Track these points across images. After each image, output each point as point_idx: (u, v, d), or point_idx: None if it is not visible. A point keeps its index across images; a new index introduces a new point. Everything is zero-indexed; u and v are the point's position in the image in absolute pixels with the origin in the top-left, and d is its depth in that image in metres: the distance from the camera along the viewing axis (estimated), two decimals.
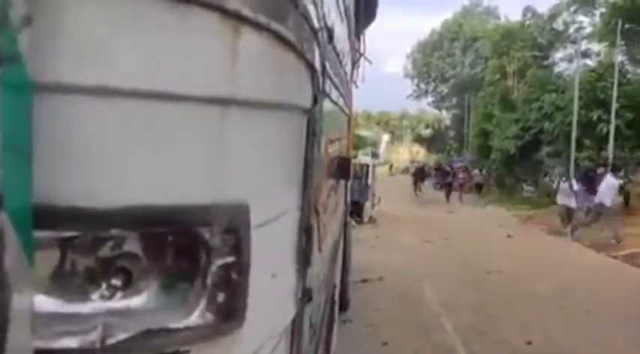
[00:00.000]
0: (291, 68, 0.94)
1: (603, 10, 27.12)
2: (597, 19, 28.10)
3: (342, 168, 2.21)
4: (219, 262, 0.71)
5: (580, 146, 19.28)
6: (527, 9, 32.22)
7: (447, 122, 50.00)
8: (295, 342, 1.07)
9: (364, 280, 7.49)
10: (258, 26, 0.76)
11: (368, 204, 15.00)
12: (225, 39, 0.72)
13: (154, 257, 0.68)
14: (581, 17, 30.09)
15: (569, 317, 6.25)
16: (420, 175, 27.78)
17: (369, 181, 15.05)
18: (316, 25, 1.05)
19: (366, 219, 14.70)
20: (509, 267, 9.03)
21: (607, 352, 5.09)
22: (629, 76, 21.27)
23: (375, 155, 20.22)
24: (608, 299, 7.11)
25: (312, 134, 1.10)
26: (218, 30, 0.71)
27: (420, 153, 55.99)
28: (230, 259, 0.72)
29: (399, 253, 10.01)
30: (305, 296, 1.14)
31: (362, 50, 5.21)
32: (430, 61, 46.37)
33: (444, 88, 47.04)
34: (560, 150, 20.93)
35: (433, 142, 52.70)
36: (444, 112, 50.79)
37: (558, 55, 31.73)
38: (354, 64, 4.62)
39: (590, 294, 7.34)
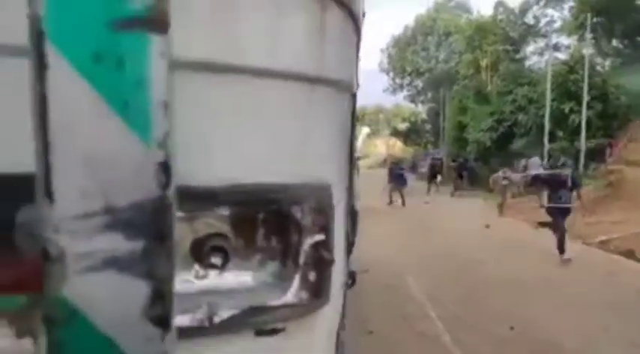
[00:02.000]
0: (355, 48, 0.93)
1: (572, 4, 27.76)
2: (566, 13, 28.74)
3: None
4: (310, 241, 0.71)
5: (553, 137, 19.72)
6: (499, 3, 32.72)
7: (423, 116, 50.50)
8: (343, 327, 1.08)
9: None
10: (340, 3, 0.76)
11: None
12: (312, 16, 0.72)
13: (251, 237, 0.69)
14: (550, 11, 30.73)
15: (549, 303, 6.41)
16: (433, 171, 23.70)
17: None
18: (361, 10, 1.03)
19: None
20: (488, 257, 9.18)
21: (583, 334, 5.25)
22: (598, 68, 21.80)
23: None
24: (584, 284, 7.33)
25: (354, 118, 1.10)
26: (307, 6, 0.70)
27: (397, 146, 56.36)
28: (320, 237, 0.72)
29: (381, 245, 10.08)
30: (349, 280, 1.15)
31: None
32: (405, 55, 46.68)
33: (419, 83, 47.45)
34: (533, 141, 21.37)
35: (410, 135, 53.16)
36: (419, 105, 51.29)
37: (529, 48, 32.38)
38: None
39: (568, 280, 7.55)
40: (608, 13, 25.28)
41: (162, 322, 0.40)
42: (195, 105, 0.59)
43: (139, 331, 0.39)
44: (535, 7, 31.79)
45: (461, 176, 23.31)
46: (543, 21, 31.74)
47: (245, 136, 0.65)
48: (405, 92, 50.33)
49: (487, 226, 13.12)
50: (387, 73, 49.41)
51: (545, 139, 19.29)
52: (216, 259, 0.63)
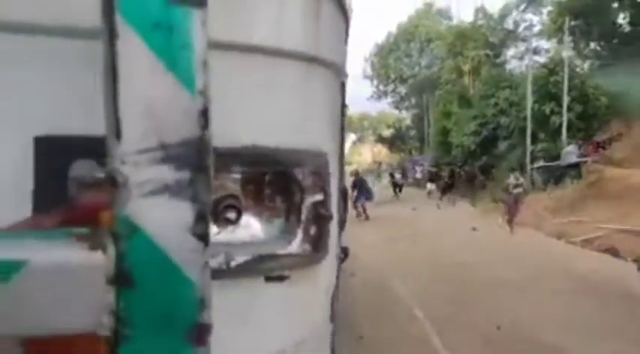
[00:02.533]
0: (344, 37, 1.05)
1: (550, 8, 28.33)
2: (545, 17, 29.31)
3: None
4: (311, 199, 0.81)
5: (535, 139, 20.08)
6: (479, 10, 33.30)
7: (408, 122, 50.87)
8: (337, 295, 1.18)
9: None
10: None
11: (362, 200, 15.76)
12: (309, 6, 0.84)
13: (259, 196, 0.79)
14: (530, 16, 31.31)
15: (534, 301, 6.55)
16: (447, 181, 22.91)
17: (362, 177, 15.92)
18: (349, 4, 1.16)
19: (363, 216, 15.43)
20: (476, 258, 9.34)
21: (569, 331, 5.38)
22: (577, 70, 22.26)
23: None
24: (568, 281, 7.50)
25: (344, 105, 1.21)
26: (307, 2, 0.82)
27: (382, 153, 56.70)
28: (319, 197, 0.83)
29: (369, 249, 10.19)
30: (343, 253, 1.26)
31: None
32: (388, 62, 47.10)
33: (402, 89, 47.85)
34: (516, 143, 21.71)
35: (395, 142, 53.49)
36: (403, 112, 51.66)
37: (510, 53, 32.91)
38: None
39: (552, 278, 7.72)
40: (585, 16, 25.85)
41: (203, 237, 0.51)
42: (218, 77, 0.69)
43: (185, 244, 0.50)
44: (514, 13, 32.38)
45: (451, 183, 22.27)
46: (523, 25, 32.33)
47: (254, 106, 0.75)
48: (389, 99, 50.71)
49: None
50: (371, 80, 49.76)
51: (528, 141, 19.63)
52: (230, 215, 0.74)
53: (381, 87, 49.51)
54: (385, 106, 52.92)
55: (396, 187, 24.98)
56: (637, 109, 18.72)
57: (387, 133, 55.31)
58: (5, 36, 0.60)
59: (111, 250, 0.48)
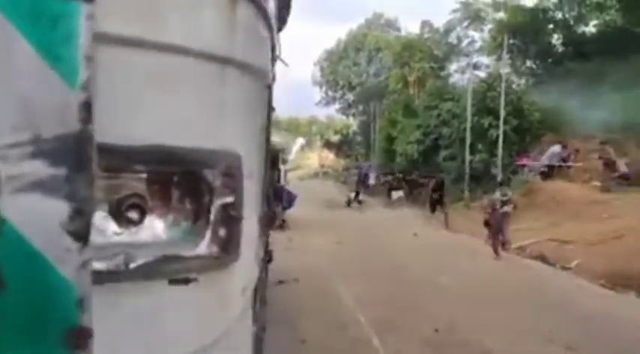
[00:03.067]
0: (267, 42, 1.05)
1: (491, 26, 29.64)
2: (486, 34, 30.63)
3: (272, 157, 2.32)
4: (220, 201, 0.80)
5: (473, 150, 20.88)
6: (425, 23, 34.33)
7: (355, 128, 51.56)
8: (259, 299, 1.17)
9: (280, 282, 7.58)
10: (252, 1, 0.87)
11: (279, 208, 15.06)
12: (226, 9, 0.83)
13: (166, 196, 0.77)
14: (472, 32, 32.60)
15: (469, 304, 6.78)
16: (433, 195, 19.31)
17: (283, 185, 15.23)
18: (272, 11, 1.16)
19: (277, 223, 14.73)
20: (415, 263, 9.56)
21: (499, 332, 5.61)
22: (514, 86, 23.37)
23: (284, 161, 20.40)
24: (502, 286, 7.82)
25: (270, 108, 1.20)
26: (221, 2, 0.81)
27: (329, 158, 57.11)
28: (229, 199, 0.82)
29: (312, 254, 10.22)
30: (267, 256, 1.25)
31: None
32: (337, 69, 47.63)
33: (350, 96, 48.50)
34: (456, 153, 22.49)
35: (341, 147, 54.04)
36: (351, 118, 52.34)
37: (453, 66, 34.13)
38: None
39: (488, 283, 8.03)
40: (523, 35, 27.24)
41: (80, 236, 0.49)
42: (121, 74, 0.68)
43: (59, 242, 0.48)
44: (458, 28, 33.64)
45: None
46: (465, 41, 33.67)
47: (162, 105, 0.74)
48: (337, 105, 51.27)
49: None
50: (320, 86, 50.16)
51: (467, 152, 20.40)
52: (133, 216, 0.71)
53: (330, 93, 50.00)
54: (333, 111, 53.49)
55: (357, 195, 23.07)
56: (567, 125, 19.86)
57: (335, 138, 55.81)
58: None
59: None
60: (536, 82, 26.41)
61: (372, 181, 27.55)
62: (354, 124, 52.59)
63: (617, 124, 18.03)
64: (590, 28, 27.54)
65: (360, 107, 46.80)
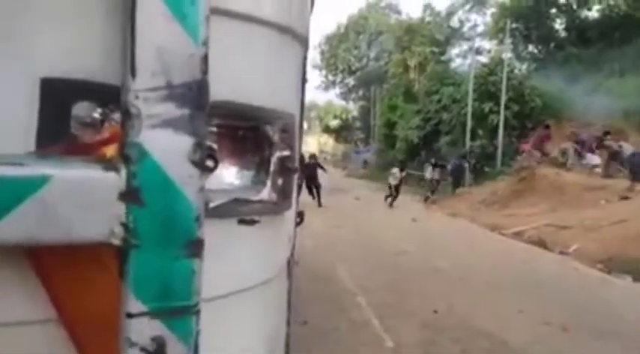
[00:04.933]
0: (309, 12, 1.15)
1: (494, 10, 29.52)
2: (488, 18, 30.51)
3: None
4: (279, 154, 0.91)
5: (474, 135, 20.96)
6: (427, 6, 34.16)
7: (354, 113, 51.51)
8: (293, 256, 1.29)
9: None
10: None
11: None
12: None
13: (232, 147, 0.88)
14: (474, 16, 32.49)
15: (468, 288, 6.94)
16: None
17: None
18: None
19: None
20: (415, 248, 9.71)
21: (497, 315, 5.77)
22: (515, 71, 23.35)
23: None
24: (500, 270, 7.97)
25: (305, 78, 1.31)
26: None
27: (329, 143, 57.19)
28: (286, 152, 0.93)
29: (312, 238, 10.34)
30: (298, 218, 1.37)
31: None
32: (337, 53, 47.44)
33: (350, 80, 48.39)
34: (457, 139, 22.57)
35: (341, 132, 54.05)
36: (351, 103, 52.27)
37: (454, 51, 34.05)
38: None
39: (486, 267, 8.17)
40: (525, 19, 27.17)
41: (199, 165, 0.60)
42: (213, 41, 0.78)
43: (184, 170, 0.60)
44: (460, 12, 33.55)
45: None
46: (467, 25, 33.62)
47: (232, 67, 0.85)
48: (337, 89, 51.16)
49: None
50: (320, 70, 49.98)
51: (467, 137, 20.48)
52: (209, 163, 0.83)
53: (330, 77, 49.84)
54: (333, 96, 53.39)
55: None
56: (568, 111, 19.91)
57: (334, 123, 55.73)
58: None
59: (123, 171, 0.57)
60: (538, 67, 26.39)
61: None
62: (353, 109, 52.52)
63: (618, 111, 18.09)
64: (594, 12, 27.46)
65: (360, 92, 46.74)
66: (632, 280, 7.67)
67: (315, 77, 50.22)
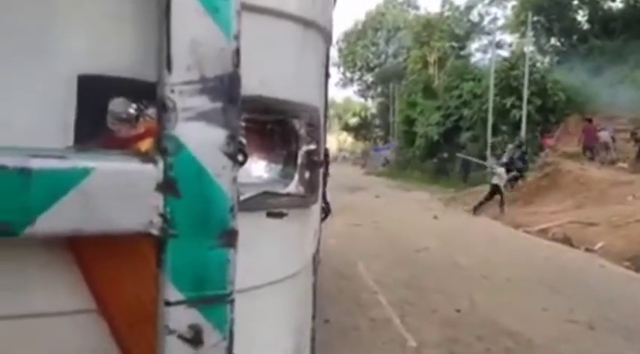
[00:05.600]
0: (333, 8, 1.16)
1: (514, 2, 29.09)
2: (509, 11, 30.07)
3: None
4: (305, 147, 0.93)
5: (496, 131, 20.70)
6: (446, 1, 33.82)
7: (373, 110, 51.33)
8: (318, 252, 1.30)
9: None
10: None
11: None
12: None
13: (261, 141, 0.90)
14: (494, 9, 32.09)
15: (491, 286, 6.86)
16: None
17: None
18: None
19: None
20: (436, 245, 9.64)
21: (521, 313, 5.70)
22: (537, 64, 22.99)
23: None
24: (524, 268, 7.86)
25: (327, 72, 1.32)
26: None
27: (348, 141, 57.11)
28: (312, 146, 0.94)
29: (332, 236, 10.34)
30: (324, 212, 1.38)
31: None
32: (355, 49, 47.31)
33: (369, 77, 48.22)
34: (478, 135, 22.32)
35: (360, 130, 53.91)
36: (369, 100, 52.12)
37: (474, 45, 33.68)
38: None
39: (509, 265, 8.08)
40: (547, 12, 26.72)
41: (232, 156, 0.62)
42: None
43: (219, 161, 0.61)
44: (480, 5, 33.17)
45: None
46: (487, 19, 33.22)
47: (259, 61, 0.86)
48: (355, 87, 51.03)
49: None
50: (338, 67, 49.89)
51: (489, 133, 20.23)
52: (239, 157, 0.84)
53: (348, 74, 49.74)
54: (351, 93, 53.25)
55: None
56: (592, 104, 19.53)
57: (353, 121, 55.61)
58: None
59: (160, 163, 0.59)
60: (560, 60, 25.94)
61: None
62: (372, 106, 52.32)
63: None
64: (617, 3, 26.85)
65: (379, 89, 46.52)
66: None
67: (333, 74, 50.10)
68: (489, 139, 20.16)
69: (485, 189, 15.84)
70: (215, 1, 0.59)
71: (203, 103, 0.60)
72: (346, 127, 57.37)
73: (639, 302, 6.13)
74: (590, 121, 17.02)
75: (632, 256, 8.45)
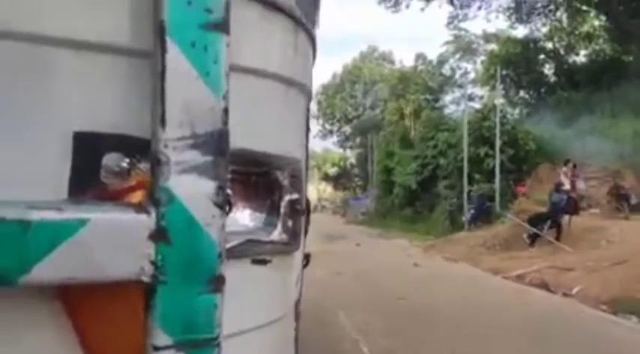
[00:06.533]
0: (312, 64, 1.24)
1: (483, 57, 30.43)
2: (479, 65, 31.41)
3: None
4: (288, 197, 0.97)
5: (471, 180, 21.12)
6: (419, 55, 35.22)
7: (352, 161, 51.94)
8: (299, 300, 1.32)
9: None
10: (306, 30, 1.07)
11: None
12: (290, 37, 1.02)
13: (246, 191, 0.94)
14: (465, 64, 33.44)
15: (472, 334, 6.81)
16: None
17: None
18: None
19: None
20: (417, 292, 9.58)
21: None
22: (508, 116, 23.84)
23: None
24: (504, 314, 7.85)
25: (308, 126, 1.39)
26: (288, 30, 1.01)
27: (327, 191, 57.29)
28: (295, 196, 0.99)
29: (312, 284, 10.19)
30: (305, 260, 1.41)
31: None
32: (334, 102, 48.40)
33: (347, 128, 49.11)
34: (454, 184, 22.72)
35: (339, 180, 54.26)
36: (348, 151, 52.80)
37: (448, 97, 34.86)
38: None
39: (490, 311, 8.05)
40: (515, 66, 27.97)
41: (221, 206, 0.66)
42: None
43: (208, 211, 0.65)
44: (451, 60, 34.55)
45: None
46: (459, 73, 34.54)
47: (245, 117, 0.92)
48: (334, 138, 51.83)
49: None
50: (317, 119, 50.75)
51: (465, 181, 20.64)
52: (226, 207, 0.89)
53: (327, 126, 50.61)
54: (330, 144, 53.99)
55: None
56: (561, 153, 20.16)
57: (332, 171, 56.05)
58: (68, 52, 0.75)
59: (153, 213, 0.63)
60: (529, 111, 26.93)
61: None
62: (351, 156, 52.98)
63: (612, 152, 18.33)
64: (581, 57, 28.33)
65: (357, 140, 47.32)
66: (638, 321, 7.56)
67: (312, 126, 50.79)
68: (465, 188, 20.54)
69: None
70: (207, 65, 0.65)
71: (194, 157, 0.65)
72: (326, 177, 57.69)
73: (618, 343, 6.15)
74: (569, 162, 17.41)
75: (609, 300, 8.53)
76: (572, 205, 15.44)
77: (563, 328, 6.96)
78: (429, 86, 33.72)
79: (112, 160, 0.75)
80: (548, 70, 29.20)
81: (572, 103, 24.32)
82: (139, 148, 0.71)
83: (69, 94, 0.75)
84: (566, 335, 6.58)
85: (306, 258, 1.46)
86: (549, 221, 14.34)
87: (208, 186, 0.66)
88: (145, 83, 0.69)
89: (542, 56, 28.75)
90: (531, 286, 10.51)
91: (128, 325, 0.68)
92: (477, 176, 21.38)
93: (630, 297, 8.40)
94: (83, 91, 0.76)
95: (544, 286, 10.27)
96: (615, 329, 7.06)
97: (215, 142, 0.66)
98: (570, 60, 28.54)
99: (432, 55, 36.03)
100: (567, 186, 15.29)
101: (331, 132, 51.19)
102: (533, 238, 14.40)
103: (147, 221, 0.63)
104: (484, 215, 18.77)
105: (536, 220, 14.68)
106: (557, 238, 13.76)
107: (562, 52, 28.53)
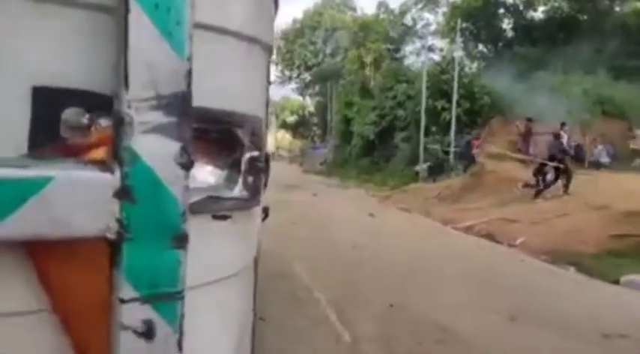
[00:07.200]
0: (274, 22, 1.23)
1: (445, 9, 30.30)
2: (440, 17, 31.29)
3: None
4: (249, 154, 0.99)
5: (427, 132, 21.52)
6: (381, 4, 34.68)
7: (311, 109, 51.63)
8: (259, 254, 1.37)
9: None
10: None
11: None
12: None
13: (207, 149, 0.95)
14: (427, 14, 33.22)
15: (421, 281, 7.15)
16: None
17: None
18: None
19: None
20: (370, 242, 9.89)
21: (450, 307, 5.99)
22: (466, 69, 24.11)
23: None
24: (452, 263, 8.26)
25: (269, 81, 1.39)
26: None
27: (286, 139, 57.13)
28: (255, 153, 1.00)
29: (267, 235, 10.31)
30: (263, 214, 1.45)
31: None
32: (293, 48, 47.39)
33: (307, 76, 48.46)
34: (411, 135, 23.10)
35: (298, 128, 54.06)
36: (307, 99, 52.35)
37: (408, 48, 34.73)
38: None
39: (439, 260, 8.45)
40: (475, 19, 28.05)
41: (185, 166, 0.68)
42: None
43: (172, 170, 0.67)
44: (413, 10, 34.22)
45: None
46: (420, 23, 34.33)
47: (206, 75, 0.92)
48: (293, 84, 51.12)
49: None
50: (276, 65, 49.72)
51: (421, 134, 21.02)
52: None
53: (286, 72, 49.74)
54: (289, 91, 53.31)
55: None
56: (514, 108, 20.72)
57: (291, 119, 55.65)
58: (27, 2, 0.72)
59: (117, 172, 0.64)
60: (487, 65, 27.31)
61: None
62: (310, 104, 52.61)
63: (562, 108, 18.97)
64: (539, 13, 28.66)
65: (317, 87, 46.89)
66: (576, 271, 8.11)
67: (271, 72, 49.81)
68: (422, 140, 20.94)
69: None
70: (170, 26, 0.65)
71: (158, 118, 0.66)
72: (284, 125, 57.33)
73: (556, 293, 6.62)
74: (530, 120, 18.00)
75: (550, 251, 9.11)
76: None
77: (506, 277, 7.40)
78: (390, 36, 33.43)
79: (71, 115, 0.75)
80: (507, 24, 29.46)
81: (527, 58, 24.78)
82: (100, 104, 0.71)
83: (28, 47, 0.73)
84: (508, 283, 7.01)
85: (265, 211, 1.50)
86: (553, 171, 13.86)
87: (172, 146, 0.67)
88: (107, 40, 0.69)
89: (501, 11, 28.90)
90: (479, 237, 11.05)
91: (94, 279, 0.70)
92: (433, 129, 21.78)
93: (570, 249, 8.98)
94: (43, 45, 0.74)
95: (490, 236, 10.82)
96: (553, 279, 7.57)
97: (179, 104, 0.67)
98: (529, 16, 28.82)
99: (394, 4, 35.58)
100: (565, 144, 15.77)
101: (290, 78, 50.40)
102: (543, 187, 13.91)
103: (111, 179, 0.64)
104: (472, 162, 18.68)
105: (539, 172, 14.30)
106: (567, 186, 13.29)
107: (521, 7, 28.73)
